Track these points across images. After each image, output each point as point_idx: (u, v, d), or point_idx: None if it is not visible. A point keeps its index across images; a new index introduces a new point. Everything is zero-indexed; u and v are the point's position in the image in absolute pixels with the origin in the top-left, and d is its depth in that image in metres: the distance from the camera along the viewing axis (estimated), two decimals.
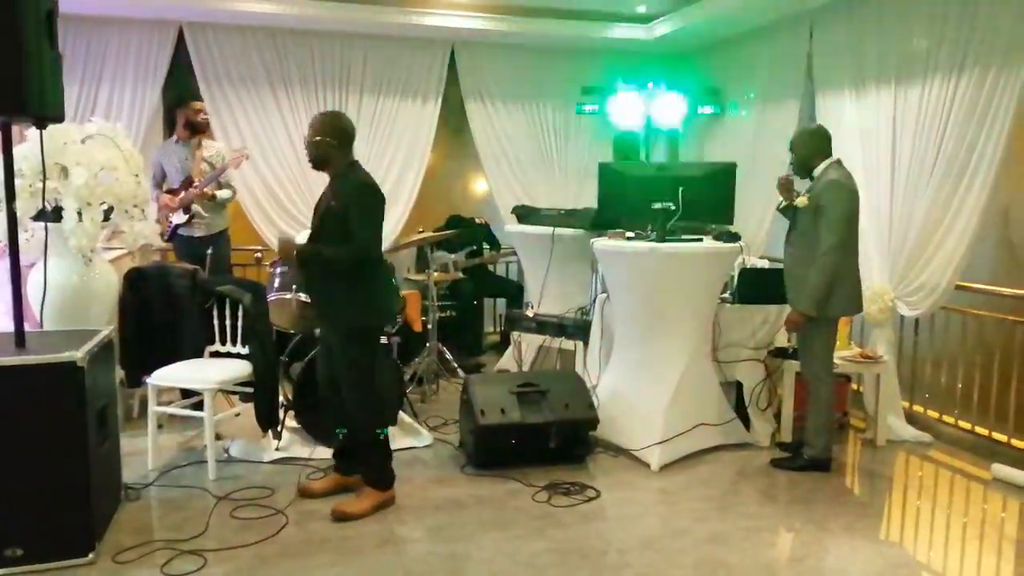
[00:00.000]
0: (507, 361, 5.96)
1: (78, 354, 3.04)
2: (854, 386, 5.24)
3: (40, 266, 3.80)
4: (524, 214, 5.93)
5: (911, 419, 4.99)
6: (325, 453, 4.19)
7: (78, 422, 3.07)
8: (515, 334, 5.75)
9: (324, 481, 3.87)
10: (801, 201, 4.09)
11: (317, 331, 4.22)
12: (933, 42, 4.59)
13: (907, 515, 3.91)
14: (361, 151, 6.41)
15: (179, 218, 5.29)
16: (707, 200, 4.38)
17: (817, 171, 4.11)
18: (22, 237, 3.55)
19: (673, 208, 4.27)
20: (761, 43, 6.09)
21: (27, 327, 3.29)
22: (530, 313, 5.65)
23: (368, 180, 3.61)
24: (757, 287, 4.65)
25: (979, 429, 4.83)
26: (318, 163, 3.64)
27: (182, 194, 5.26)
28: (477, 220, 7.09)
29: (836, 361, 4.34)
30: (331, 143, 3.59)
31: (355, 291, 3.59)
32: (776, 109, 5.91)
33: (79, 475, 3.09)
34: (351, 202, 3.52)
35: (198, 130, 5.40)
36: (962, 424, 4.93)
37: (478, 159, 6.91)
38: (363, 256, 3.55)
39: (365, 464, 3.74)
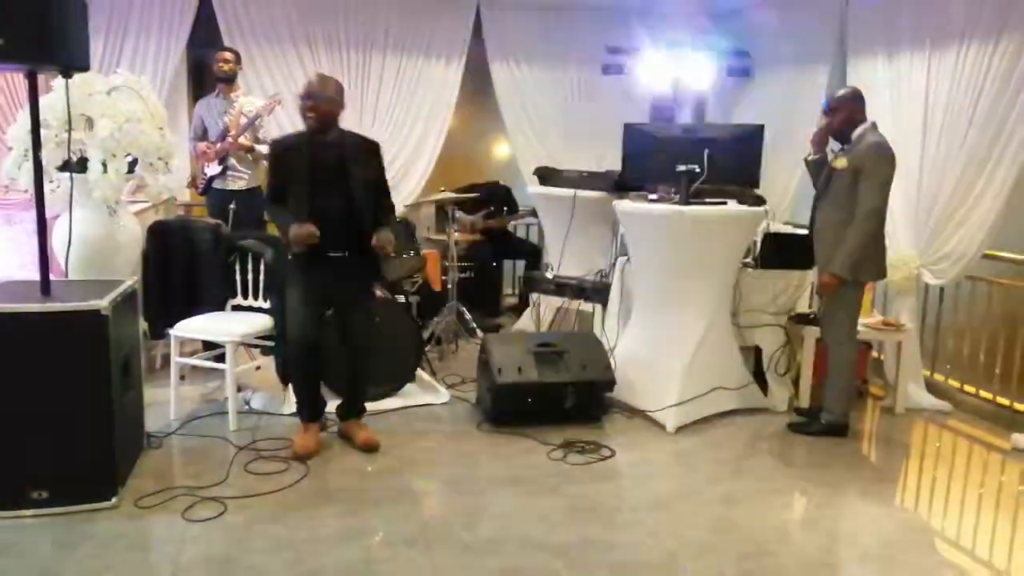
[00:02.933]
0: (525, 322, 5.98)
1: (103, 303, 3.08)
2: (874, 354, 5.20)
3: (65, 217, 3.84)
4: (546, 175, 5.90)
5: (931, 388, 4.95)
6: None
7: (102, 370, 3.13)
8: (534, 295, 5.76)
9: (310, 438, 3.81)
10: (840, 163, 4.01)
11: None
12: (971, 10, 4.47)
13: (923, 482, 3.90)
14: (383, 112, 6.43)
15: (214, 169, 5.32)
16: (734, 162, 4.32)
17: (855, 134, 4.04)
18: (47, 187, 3.58)
19: (698, 170, 4.22)
20: (793, 5, 5.96)
21: (52, 277, 3.34)
22: (549, 275, 5.65)
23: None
24: (780, 252, 4.61)
25: (1000, 399, 4.78)
26: (326, 125, 3.65)
27: (218, 144, 5.30)
28: (501, 182, 7.06)
29: (858, 328, 4.30)
30: (340, 104, 3.67)
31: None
32: (806, 73, 5.80)
33: (103, 421, 3.15)
34: (380, 162, 3.84)
35: (225, 80, 5.42)
36: (983, 394, 4.88)
37: (500, 120, 6.86)
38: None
39: (364, 397, 4.05)
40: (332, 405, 4.05)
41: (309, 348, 3.74)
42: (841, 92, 4.15)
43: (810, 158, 4.26)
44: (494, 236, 6.70)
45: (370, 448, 3.83)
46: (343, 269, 3.74)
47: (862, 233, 3.94)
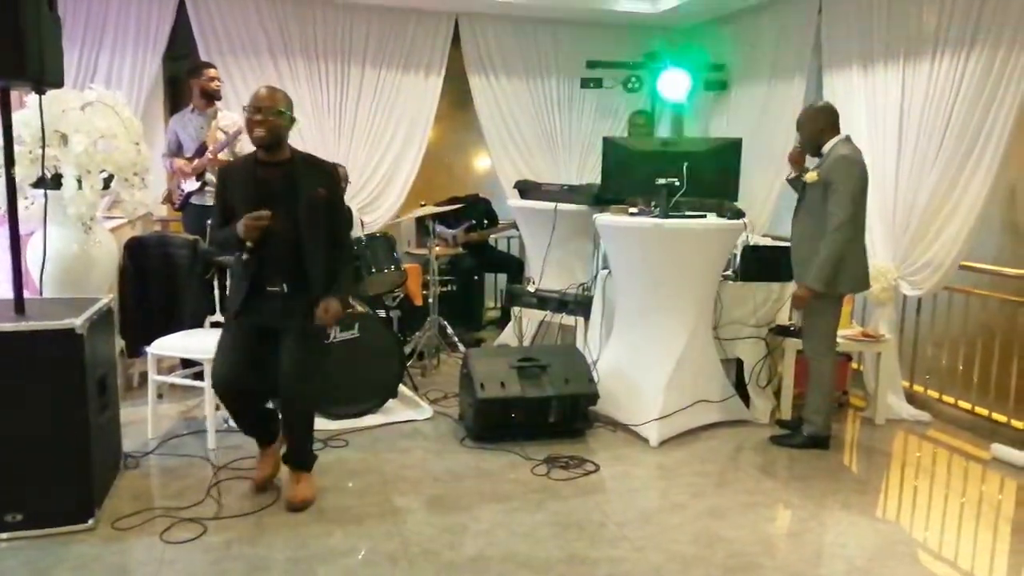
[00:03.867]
0: (507, 336, 5.96)
1: (77, 321, 3.03)
2: (854, 365, 5.24)
3: (40, 234, 3.78)
4: (526, 189, 5.90)
5: (911, 399, 5.00)
6: (322, 423, 4.21)
7: (78, 389, 3.07)
8: (516, 309, 5.74)
9: (265, 465, 3.59)
10: (811, 177, 4.06)
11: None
12: (943, 19, 4.54)
13: (905, 493, 3.91)
14: (362, 124, 6.41)
15: (191, 185, 5.25)
16: (712, 176, 4.34)
17: (826, 148, 4.08)
18: (21, 204, 3.53)
19: (677, 184, 4.24)
20: (768, 18, 6.03)
21: (27, 295, 3.28)
22: (531, 288, 5.64)
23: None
24: (760, 264, 4.64)
25: (979, 409, 4.83)
26: (274, 140, 3.29)
27: (195, 161, 5.24)
28: (481, 195, 7.05)
29: (838, 339, 4.33)
30: (290, 119, 3.34)
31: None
32: (782, 85, 5.85)
33: (79, 442, 3.09)
34: (335, 188, 3.50)
35: (213, 98, 5.36)
36: (962, 404, 4.93)
37: (480, 133, 6.87)
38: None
39: (300, 449, 3.47)
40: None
41: (230, 393, 3.41)
42: (806, 108, 4.21)
43: (790, 177, 4.32)
44: (476, 249, 6.69)
45: (292, 508, 3.36)
46: (278, 306, 3.35)
47: (831, 246, 3.97)
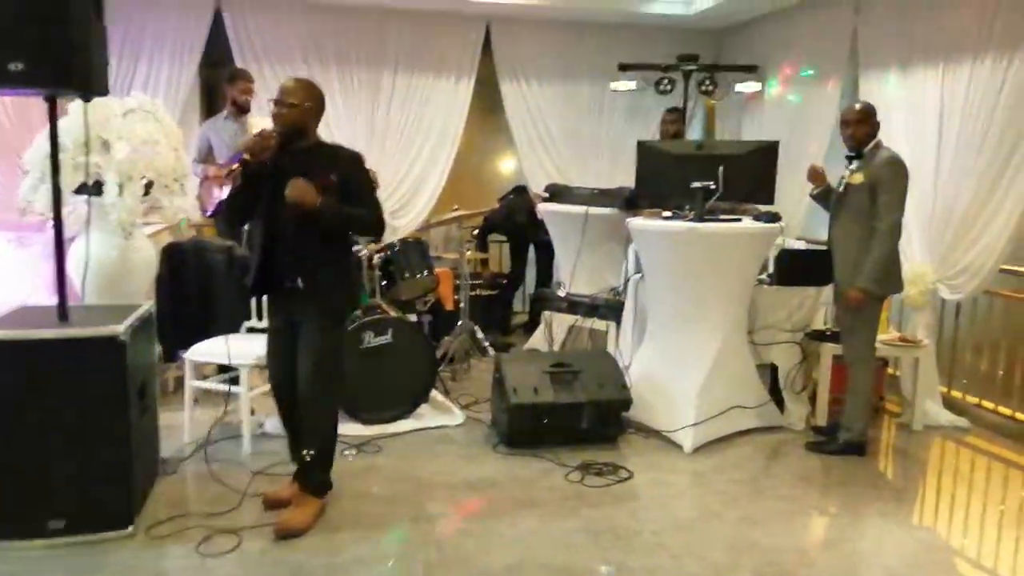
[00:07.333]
0: (536, 341, 5.96)
1: (120, 328, 3.07)
2: (890, 370, 5.16)
3: (81, 240, 3.85)
4: (557, 193, 5.89)
5: (948, 404, 4.92)
6: (355, 429, 4.25)
7: (120, 396, 3.10)
8: (546, 313, 5.74)
9: (287, 487, 3.47)
10: (857, 178, 4.02)
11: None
12: (984, 21, 4.46)
13: (942, 501, 3.86)
14: (394, 129, 6.45)
15: (226, 192, 5.28)
16: (748, 179, 4.30)
17: (867, 148, 4.04)
18: (64, 211, 3.58)
19: (713, 187, 4.21)
20: (804, 19, 5.97)
21: (69, 301, 3.33)
22: (561, 293, 5.63)
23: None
24: (795, 269, 4.58)
25: (1019, 415, 4.74)
26: (295, 133, 3.21)
27: (233, 167, 5.23)
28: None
29: (876, 344, 4.27)
30: (314, 110, 3.27)
31: (342, 268, 3.37)
32: (817, 87, 5.79)
33: (120, 449, 3.12)
34: (354, 174, 3.29)
35: (243, 110, 5.39)
36: (1002, 410, 4.85)
37: (510, 137, 6.87)
38: (380, 226, 3.38)
39: (310, 467, 3.32)
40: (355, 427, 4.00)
41: (276, 391, 3.43)
42: (862, 106, 4.13)
43: (813, 192, 4.30)
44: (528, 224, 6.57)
45: (276, 533, 3.18)
46: (297, 302, 3.28)
47: (884, 247, 3.94)
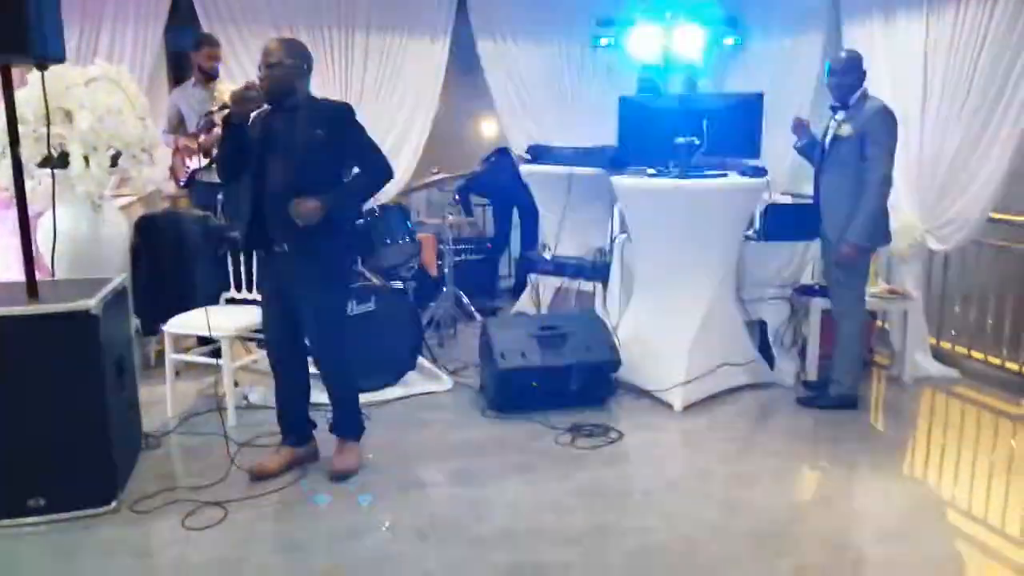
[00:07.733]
0: (523, 304, 5.89)
1: (91, 302, 2.98)
2: (879, 323, 5.14)
3: (49, 215, 3.72)
4: (538, 153, 5.78)
5: (938, 355, 4.91)
6: None
7: (95, 371, 3.03)
8: (532, 276, 5.67)
9: (279, 457, 3.48)
10: (845, 130, 3.93)
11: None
12: None
13: (933, 452, 3.85)
14: (369, 91, 6.29)
15: (198, 163, 5.15)
16: (732, 133, 4.23)
17: (853, 99, 3.95)
18: (29, 185, 3.46)
19: (697, 142, 4.13)
20: None
21: (39, 277, 3.22)
22: (547, 255, 5.56)
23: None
24: (783, 224, 4.53)
25: (1009, 364, 4.74)
26: (283, 92, 3.16)
27: (202, 137, 5.11)
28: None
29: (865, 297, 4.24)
30: (302, 68, 3.22)
31: (333, 227, 3.24)
32: (799, 39, 5.69)
33: (99, 424, 3.06)
34: (343, 128, 3.24)
35: (210, 76, 5.24)
36: (991, 360, 4.84)
37: (490, 98, 6.73)
38: (386, 173, 3.36)
39: (343, 416, 3.49)
40: None
41: (276, 356, 3.47)
42: (848, 55, 4.03)
43: (798, 145, 4.24)
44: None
45: (332, 478, 3.38)
46: (286, 268, 3.27)
47: (876, 199, 3.89)
